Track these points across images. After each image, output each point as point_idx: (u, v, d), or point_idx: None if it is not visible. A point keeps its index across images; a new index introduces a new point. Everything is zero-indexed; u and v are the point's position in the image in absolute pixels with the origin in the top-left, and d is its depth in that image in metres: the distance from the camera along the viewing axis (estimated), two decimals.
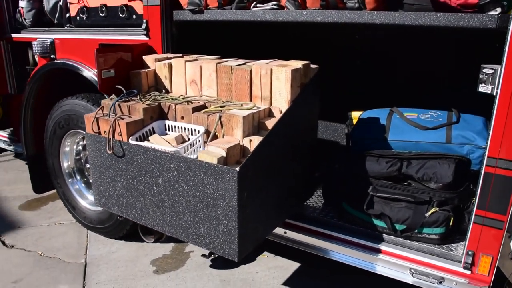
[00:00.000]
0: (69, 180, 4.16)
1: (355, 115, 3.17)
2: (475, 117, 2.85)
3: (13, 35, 4.35)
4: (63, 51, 3.82)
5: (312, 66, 2.58)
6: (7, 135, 4.99)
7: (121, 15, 3.44)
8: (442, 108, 2.95)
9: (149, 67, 2.91)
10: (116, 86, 2.77)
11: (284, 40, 3.66)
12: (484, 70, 2.15)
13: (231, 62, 2.62)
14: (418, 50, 3.45)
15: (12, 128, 5.04)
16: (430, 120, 2.85)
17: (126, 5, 3.39)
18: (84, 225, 4.17)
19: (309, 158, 2.77)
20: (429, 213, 2.49)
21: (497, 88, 2.07)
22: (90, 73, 3.62)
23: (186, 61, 2.72)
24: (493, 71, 2.11)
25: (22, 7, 4.28)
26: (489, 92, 2.13)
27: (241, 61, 2.70)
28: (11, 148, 5.01)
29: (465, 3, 2.19)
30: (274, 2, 2.69)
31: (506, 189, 2.11)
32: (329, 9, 2.50)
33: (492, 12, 2.12)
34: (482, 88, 2.17)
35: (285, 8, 2.65)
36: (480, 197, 2.19)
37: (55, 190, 4.37)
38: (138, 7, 3.30)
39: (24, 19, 4.29)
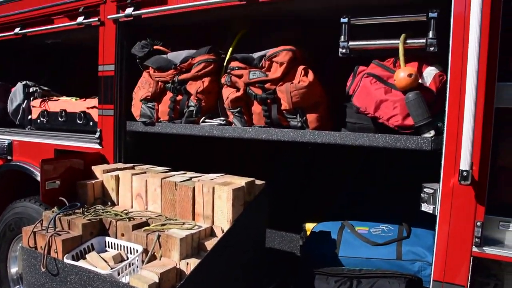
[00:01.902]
0: (16, 287, 3.92)
1: (309, 227, 3.11)
2: (426, 231, 2.80)
3: None
4: (20, 153, 3.80)
5: (258, 182, 2.57)
6: None
7: (78, 121, 3.48)
8: (395, 221, 2.91)
9: (97, 178, 2.87)
10: (60, 198, 2.70)
11: (234, 152, 3.67)
12: (425, 190, 2.16)
13: (176, 178, 2.60)
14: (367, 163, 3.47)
15: None
16: (381, 235, 2.79)
17: (84, 112, 3.44)
18: None
19: (256, 273, 2.66)
20: None
21: (438, 209, 2.06)
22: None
23: (132, 174, 2.70)
24: (433, 190, 2.12)
25: None
26: (431, 212, 2.12)
27: (188, 175, 2.69)
28: None
29: (401, 125, 2.25)
30: (222, 118, 2.75)
31: None
32: (273, 127, 2.54)
33: (427, 135, 2.17)
34: (425, 207, 2.17)
35: (232, 124, 2.70)
36: None
37: None
38: (95, 115, 3.35)
39: None
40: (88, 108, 3.42)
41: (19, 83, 4.07)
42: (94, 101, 3.39)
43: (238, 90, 2.62)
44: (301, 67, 2.49)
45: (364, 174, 3.47)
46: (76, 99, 3.67)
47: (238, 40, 2.84)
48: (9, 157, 3.87)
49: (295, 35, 2.84)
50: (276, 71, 2.51)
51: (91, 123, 3.41)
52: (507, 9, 1.92)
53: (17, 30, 3.69)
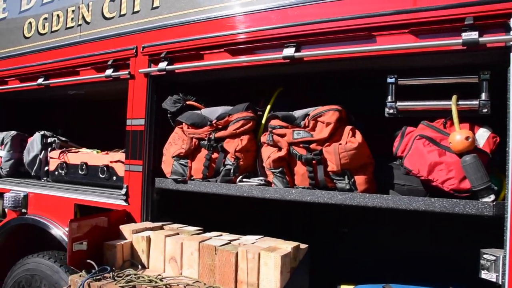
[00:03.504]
0: None
1: None
2: None
3: None
4: (36, 206, 3.63)
5: (302, 246, 2.43)
6: None
7: (101, 175, 3.34)
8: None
9: (125, 238, 2.71)
10: (87, 260, 2.53)
11: (270, 212, 3.52)
12: (485, 256, 2.03)
13: (215, 241, 2.45)
14: (412, 226, 3.34)
15: None
16: None
17: (107, 166, 3.31)
18: None
19: None
20: None
21: (503, 278, 1.93)
22: (59, 232, 3.39)
23: (166, 236, 2.55)
24: (495, 257, 1.99)
25: (0, 156, 4.19)
26: (494, 280, 1.99)
27: (225, 238, 2.55)
28: None
29: (457, 188, 2.16)
30: (262, 178, 2.64)
31: None
32: (319, 188, 2.43)
33: (486, 199, 2.07)
34: (485, 275, 2.03)
35: (272, 185, 2.59)
36: None
37: None
38: (120, 169, 3.22)
39: (1, 168, 4.18)
40: (111, 162, 3.30)
41: (37, 133, 3.97)
42: (118, 155, 3.28)
43: (280, 149, 2.53)
44: (348, 128, 2.41)
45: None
46: (97, 152, 3.56)
47: (275, 98, 2.78)
48: (23, 210, 3.69)
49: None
50: (322, 131, 2.43)
51: (114, 177, 3.28)
52: None
53: (40, 80, 3.60)
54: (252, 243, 2.44)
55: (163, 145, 2.96)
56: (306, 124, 2.54)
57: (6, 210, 3.91)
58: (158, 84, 3.00)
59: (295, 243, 2.40)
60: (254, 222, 3.07)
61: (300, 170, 2.49)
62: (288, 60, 2.47)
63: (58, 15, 3.61)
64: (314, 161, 2.43)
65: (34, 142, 3.93)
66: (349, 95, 2.66)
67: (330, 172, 2.41)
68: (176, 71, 2.84)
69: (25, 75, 3.78)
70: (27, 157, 3.95)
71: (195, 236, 2.56)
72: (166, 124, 2.95)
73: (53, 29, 3.64)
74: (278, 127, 2.55)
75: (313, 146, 2.44)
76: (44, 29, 3.71)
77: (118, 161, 3.23)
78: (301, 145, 2.46)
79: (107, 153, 3.47)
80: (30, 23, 3.83)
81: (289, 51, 2.46)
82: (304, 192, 2.45)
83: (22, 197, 3.70)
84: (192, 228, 2.80)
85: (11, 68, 3.93)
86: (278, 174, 2.54)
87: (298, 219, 3.52)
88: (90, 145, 3.91)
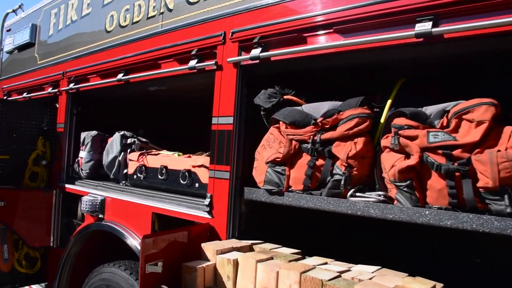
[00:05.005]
0: None
1: None
2: None
3: (67, 185, 3.99)
4: (113, 212, 3.34)
5: (438, 285, 1.81)
6: None
7: (182, 181, 2.94)
8: None
9: (207, 260, 2.25)
10: (162, 286, 2.10)
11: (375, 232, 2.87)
12: None
13: (320, 272, 1.90)
14: None
15: (46, 283, 4.45)
16: None
17: (189, 171, 2.90)
18: None
19: None
20: None
21: None
22: (134, 242, 3.06)
23: (257, 261, 2.04)
24: None
25: (81, 157, 4.00)
26: None
27: (333, 268, 1.99)
28: None
29: None
30: (380, 193, 2.04)
31: None
32: (462, 210, 1.79)
33: None
34: None
35: (395, 202, 1.98)
36: None
37: None
38: (203, 175, 2.79)
39: (81, 169, 3.98)
40: (193, 166, 2.88)
41: (117, 133, 3.69)
42: (201, 159, 2.85)
43: (408, 156, 1.92)
44: (509, 129, 1.75)
45: None
46: (179, 155, 3.17)
47: (397, 91, 2.18)
48: (100, 216, 3.42)
49: None
50: (469, 133, 1.79)
51: (196, 184, 2.86)
52: None
53: (120, 76, 3.30)
54: (370, 278, 1.86)
55: (254, 148, 2.48)
56: (445, 124, 1.91)
57: (84, 214, 3.69)
58: (249, 75, 2.52)
59: (429, 282, 1.79)
60: (352, 242, 2.48)
61: (436, 184, 1.85)
62: (422, 39, 1.87)
63: (139, 5, 3.29)
64: (458, 173, 1.79)
65: (114, 143, 3.66)
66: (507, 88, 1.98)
67: (481, 189, 1.75)
68: (272, 58, 2.34)
69: (105, 71, 3.54)
70: (106, 158, 3.69)
71: (294, 264, 2.03)
72: (259, 123, 2.46)
73: (134, 20, 3.33)
74: (406, 127, 1.94)
75: (456, 152, 1.80)
76: (125, 21, 3.42)
77: (202, 165, 2.80)
78: (439, 151, 1.83)
79: (189, 156, 3.06)
80: (112, 16, 3.57)
81: (423, 27, 1.85)
82: (443, 214, 1.81)
83: (100, 201, 3.43)
84: (287, 251, 2.28)
85: (92, 65, 3.71)
86: (404, 189, 1.93)
87: (413, 242, 2.84)
88: (172, 147, 3.57)
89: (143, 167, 3.29)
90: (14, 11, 5.22)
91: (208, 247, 2.28)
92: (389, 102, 2.16)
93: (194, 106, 3.98)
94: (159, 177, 3.13)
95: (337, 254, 2.19)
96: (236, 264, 2.13)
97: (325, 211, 2.13)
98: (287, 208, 2.30)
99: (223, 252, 2.23)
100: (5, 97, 5.10)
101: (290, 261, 2.09)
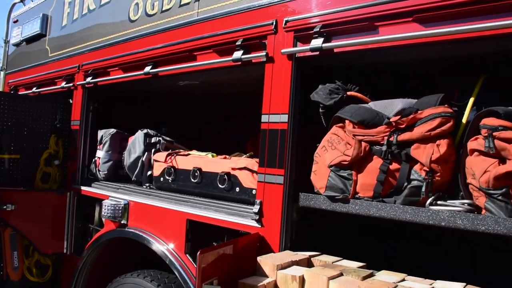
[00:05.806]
0: None
1: None
2: None
3: (82, 187, 3.71)
4: (137, 217, 3.07)
5: None
6: None
7: (219, 185, 2.68)
8: None
9: (265, 275, 2.00)
10: None
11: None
12: None
13: None
14: None
15: None
16: None
17: (228, 174, 2.65)
18: None
19: None
20: None
21: None
22: (162, 248, 2.82)
23: (329, 278, 1.80)
24: None
25: (98, 157, 3.72)
26: None
27: (413, 284, 1.75)
28: None
29: None
30: (465, 201, 1.81)
31: None
32: None
33: None
34: None
35: (484, 211, 1.76)
36: None
37: None
38: (245, 179, 2.54)
39: (99, 170, 3.71)
40: (233, 168, 2.63)
41: (139, 131, 3.42)
42: (244, 161, 2.60)
43: (503, 161, 1.70)
44: None
45: None
46: (213, 155, 2.92)
47: (479, 88, 1.95)
48: (123, 222, 3.15)
49: None
50: None
51: (237, 188, 2.60)
52: None
53: (147, 69, 3.04)
54: None
55: (306, 149, 2.24)
56: None
57: (103, 219, 3.42)
58: (303, 68, 2.28)
59: None
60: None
61: None
62: None
63: None
64: None
65: (136, 142, 3.39)
66: None
67: None
68: (335, 50, 2.10)
69: (129, 64, 3.26)
70: (127, 159, 3.42)
71: (374, 282, 1.79)
72: (316, 122, 2.22)
73: (164, 8, 3.06)
74: (501, 128, 1.72)
75: None
76: (153, 9, 3.15)
77: (244, 168, 2.55)
78: None
79: (226, 158, 2.81)
80: (137, 4, 3.30)
81: None
82: None
83: (123, 206, 3.16)
84: (353, 264, 2.05)
85: (112, 57, 3.43)
86: (499, 197, 1.70)
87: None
88: (196, 147, 3.33)
89: (172, 169, 3.02)
90: (22, 1, 4.92)
91: (266, 262, 2.02)
92: (471, 100, 1.93)
93: (227, 103, 3.73)
94: (192, 180, 2.87)
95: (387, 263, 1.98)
96: (302, 281, 1.89)
97: (400, 221, 1.90)
98: (336, 214, 2.08)
99: (283, 267, 1.99)
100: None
101: (364, 277, 1.85)
